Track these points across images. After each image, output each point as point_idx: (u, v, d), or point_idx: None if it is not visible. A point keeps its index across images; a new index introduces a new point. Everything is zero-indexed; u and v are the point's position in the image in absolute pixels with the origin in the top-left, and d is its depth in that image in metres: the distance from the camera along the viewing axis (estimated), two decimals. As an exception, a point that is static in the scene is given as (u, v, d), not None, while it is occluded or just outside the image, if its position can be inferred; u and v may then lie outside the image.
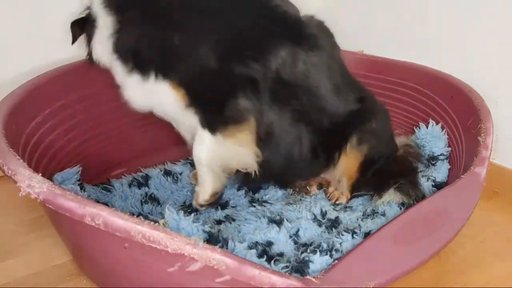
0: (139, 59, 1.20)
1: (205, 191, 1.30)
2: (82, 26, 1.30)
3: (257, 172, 1.26)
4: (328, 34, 1.34)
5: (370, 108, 1.37)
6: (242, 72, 1.18)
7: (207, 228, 1.06)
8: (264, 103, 1.22)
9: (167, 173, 1.50)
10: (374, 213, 1.28)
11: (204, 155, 1.24)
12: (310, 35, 1.27)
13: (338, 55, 1.37)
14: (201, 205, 1.33)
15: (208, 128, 1.21)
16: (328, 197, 1.40)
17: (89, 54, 1.31)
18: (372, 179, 1.36)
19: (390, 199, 1.31)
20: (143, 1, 1.21)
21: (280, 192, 1.44)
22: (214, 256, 0.78)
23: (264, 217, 1.28)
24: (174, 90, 1.19)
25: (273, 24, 1.24)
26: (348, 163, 1.35)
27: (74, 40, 1.34)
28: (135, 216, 0.85)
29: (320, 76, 1.28)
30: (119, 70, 1.24)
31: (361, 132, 1.33)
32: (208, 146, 1.22)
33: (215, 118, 1.20)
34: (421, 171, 1.44)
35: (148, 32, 1.18)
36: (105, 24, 1.22)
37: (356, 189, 1.39)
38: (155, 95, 1.21)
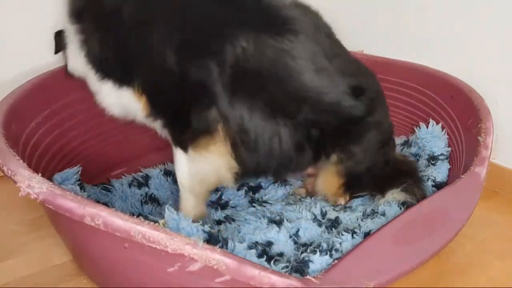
0: (107, 67, 1.15)
1: None
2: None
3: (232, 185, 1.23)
4: (309, 13, 1.23)
5: (363, 119, 1.25)
6: (198, 76, 1.10)
7: (207, 228, 1.05)
8: (227, 103, 1.13)
9: (167, 173, 1.50)
10: (374, 213, 1.28)
11: (184, 176, 1.20)
12: (278, 18, 1.16)
13: (328, 35, 1.26)
14: None
15: (179, 145, 1.17)
16: (327, 199, 1.40)
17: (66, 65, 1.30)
18: (372, 181, 1.34)
19: (393, 197, 1.30)
20: (95, 5, 1.14)
21: (280, 192, 1.44)
22: (214, 256, 0.78)
23: (264, 217, 1.28)
24: (137, 98, 1.14)
25: (230, 9, 1.13)
26: (327, 181, 1.31)
27: (56, 50, 1.33)
28: (135, 216, 0.85)
29: (295, 63, 1.15)
30: (93, 79, 1.20)
31: (342, 152, 1.27)
32: (185, 166, 1.18)
33: (183, 132, 1.15)
34: (421, 171, 1.44)
35: (106, 38, 1.13)
36: (71, 34, 1.19)
37: (355, 192, 1.38)
38: (127, 103, 1.17)
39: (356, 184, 1.34)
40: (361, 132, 1.28)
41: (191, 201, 1.23)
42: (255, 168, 1.25)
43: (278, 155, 1.22)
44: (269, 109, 1.16)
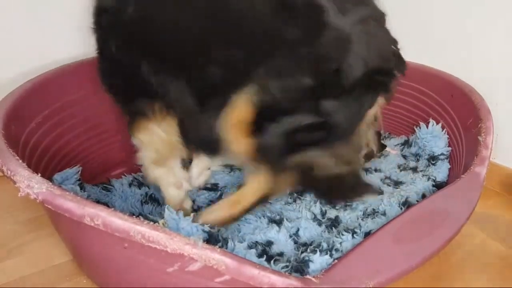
0: None
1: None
2: None
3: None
4: None
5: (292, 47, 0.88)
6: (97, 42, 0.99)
7: (206, 227, 1.05)
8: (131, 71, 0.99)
9: (167, 172, 1.49)
10: (374, 212, 1.28)
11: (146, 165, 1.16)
12: None
13: None
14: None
15: (129, 131, 1.11)
16: None
17: None
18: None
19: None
20: None
21: (279, 192, 1.44)
22: (214, 256, 0.78)
23: (264, 217, 1.28)
24: None
25: None
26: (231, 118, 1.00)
27: None
28: (135, 216, 0.85)
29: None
30: None
31: (260, 82, 0.94)
32: (141, 154, 1.13)
33: (125, 117, 1.09)
34: (421, 171, 1.44)
35: None
36: None
37: None
38: None
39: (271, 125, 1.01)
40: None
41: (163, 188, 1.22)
42: (196, 140, 1.09)
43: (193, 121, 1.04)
44: (159, 66, 0.97)
